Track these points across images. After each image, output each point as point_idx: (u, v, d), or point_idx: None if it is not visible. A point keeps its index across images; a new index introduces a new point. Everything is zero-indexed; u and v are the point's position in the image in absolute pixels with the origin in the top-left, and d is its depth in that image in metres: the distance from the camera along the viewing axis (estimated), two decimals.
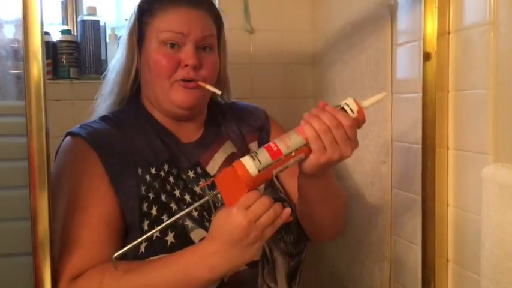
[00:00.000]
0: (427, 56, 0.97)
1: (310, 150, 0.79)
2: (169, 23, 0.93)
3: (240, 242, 0.75)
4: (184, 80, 0.93)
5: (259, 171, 0.76)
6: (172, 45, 0.93)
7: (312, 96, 1.66)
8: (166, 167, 0.94)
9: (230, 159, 1.00)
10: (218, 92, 0.97)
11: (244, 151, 1.04)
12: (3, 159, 0.79)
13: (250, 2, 1.59)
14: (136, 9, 0.98)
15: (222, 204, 0.79)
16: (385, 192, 1.19)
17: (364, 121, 0.84)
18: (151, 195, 0.90)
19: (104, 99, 1.03)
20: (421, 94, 0.98)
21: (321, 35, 1.58)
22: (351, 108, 0.82)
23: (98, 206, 0.86)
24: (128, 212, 0.88)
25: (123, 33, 1.01)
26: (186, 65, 0.92)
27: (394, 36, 1.14)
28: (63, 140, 0.96)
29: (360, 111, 0.83)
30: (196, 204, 0.79)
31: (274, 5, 1.62)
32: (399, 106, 1.13)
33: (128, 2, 1.67)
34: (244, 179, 0.76)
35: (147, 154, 0.94)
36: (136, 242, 0.76)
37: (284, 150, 0.78)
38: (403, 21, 1.11)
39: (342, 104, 0.83)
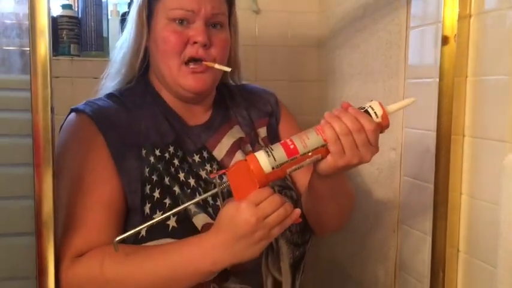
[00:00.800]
0: (445, 40, 0.94)
1: (327, 152, 0.76)
2: (179, 0, 0.90)
3: (245, 239, 0.73)
4: (192, 59, 0.90)
5: (272, 168, 0.73)
6: (181, 22, 0.90)
7: (317, 79, 1.63)
8: (171, 149, 0.92)
9: (238, 144, 0.97)
10: (228, 69, 0.93)
11: (253, 136, 1.01)
12: (7, 135, 0.75)
13: None
14: None
15: (231, 195, 0.76)
16: (393, 180, 1.17)
17: (387, 126, 0.80)
18: (154, 177, 0.88)
19: (111, 78, 0.99)
20: (437, 79, 0.95)
21: (328, 17, 1.55)
22: (375, 112, 0.78)
23: (101, 187, 0.84)
24: (130, 194, 0.86)
25: (131, 11, 0.97)
26: (195, 42, 0.89)
27: (409, 19, 1.11)
28: (67, 116, 0.93)
29: (385, 116, 0.78)
30: (204, 196, 0.77)
31: None
32: (411, 92, 1.11)
33: None
34: (256, 174, 0.73)
35: (153, 135, 0.91)
36: (138, 228, 0.74)
37: (301, 149, 0.74)
38: (419, 3, 1.08)
39: (367, 106, 0.79)
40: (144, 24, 0.93)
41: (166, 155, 0.91)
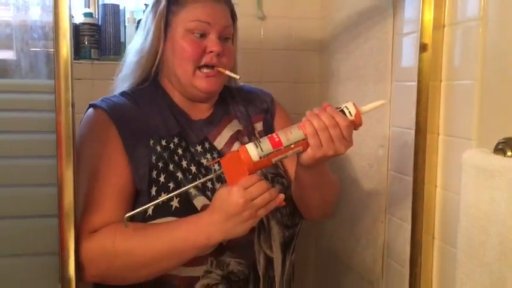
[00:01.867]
0: (424, 47, 1.04)
1: (308, 145, 0.88)
2: (197, 13, 1.03)
3: (234, 217, 0.85)
4: (206, 66, 1.03)
5: (260, 157, 0.86)
6: (197, 33, 1.03)
7: (318, 82, 1.74)
8: (176, 140, 1.04)
9: (236, 136, 1.10)
10: (237, 76, 1.08)
11: (250, 129, 1.14)
12: (35, 132, 0.88)
13: None
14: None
15: (225, 181, 0.88)
16: (381, 174, 1.27)
17: (360, 124, 0.92)
18: (160, 164, 1.00)
19: (125, 79, 1.11)
20: (415, 83, 1.05)
21: (328, 23, 1.65)
22: (349, 111, 0.91)
23: (114, 173, 0.97)
24: (138, 178, 0.98)
25: (148, 19, 1.09)
26: (211, 52, 1.03)
27: (396, 27, 1.21)
28: (86, 111, 1.06)
29: (358, 115, 0.90)
30: (201, 180, 0.91)
31: None
32: (398, 93, 1.21)
33: None
34: (246, 162, 0.86)
35: (160, 128, 1.04)
36: (146, 206, 0.88)
37: (284, 141, 0.87)
38: (404, 13, 1.18)
39: (342, 106, 0.92)
40: (162, 33, 1.05)
41: (171, 145, 1.03)
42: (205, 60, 1.03)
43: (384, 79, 1.26)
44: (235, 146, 1.08)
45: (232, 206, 0.85)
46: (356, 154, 1.40)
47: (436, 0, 1.01)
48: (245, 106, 1.18)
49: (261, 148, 0.86)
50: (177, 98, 1.09)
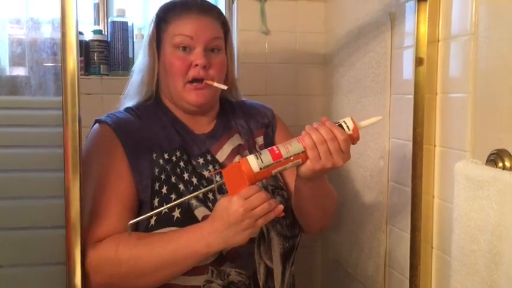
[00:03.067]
0: (419, 61, 1.06)
1: (307, 157, 0.91)
2: (180, 28, 1.06)
3: (234, 226, 0.89)
4: (195, 79, 1.06)
5: (260, 168, 0.89)
6: (184, 48, 1.06)
7: (322, 94, 1.77)
8: (178, 153, 1.07)
9: (237, 150, 1.13)
10: (224, 87, 1.09)
11: (251, 143, 1.17)
12: (43, 146, 0.93)
13: (266, 5, 1.71)
14: (154, 18, 1.12)
15: (226, 192, 0.91)
16: (382, 185, 1.29)
17: (358, 139, 0.95)
18: (162, 176, 1.03)
19: (130, 97, 1.16)
20: (412, 96, 1.08)
21: (332, 37, 1.69)
22: (347, 126, 0.94)
23: (117, 184, 1.00)
24: (142, 190, 1.02)
25: (144, 41, 1.15)
26: (196, 65, 1.05)
27: (394, 41, 1.24)
28: (93, 126, 1.11)
29: (355, 129, 0.94)
30: (203, 190, 0.95)
31: (289, 8, 1.73)
32: (397, 106, 1.23)
33: (154, 5, 1.80)
34: (247, 173, 0.89)
35: (162, 141, 1.08)
36: (148, 214, 0.92)
37: (284, 154, 0.90)
38: (401, 27, 1.21)
39: (341, 121, 0.95)
40: (155, 52, 1.10)
41: (173, 158, 1.06)
42: (192, 74, 1.05)
43: (383, 92, 1.28)
44: (237, 159, 1.11)
45: (233, 215, 0.88)
46: (358, 165, 1.43)
47: (431, 16, 1.04)
48: (246, 120, 1.20)
49: (261, 160, 0.89)
50: (178, 112, 1.13)
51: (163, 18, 1.10)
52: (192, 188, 1.04)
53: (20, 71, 1.17)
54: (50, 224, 0.93)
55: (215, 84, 1.08)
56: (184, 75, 1.06)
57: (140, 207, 1.02)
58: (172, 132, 1.10)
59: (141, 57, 1.14)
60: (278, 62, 1.74)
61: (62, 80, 0.83)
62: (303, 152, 0.91)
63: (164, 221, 0.99)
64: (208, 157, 1.10)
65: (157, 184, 1.03)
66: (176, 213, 1.00)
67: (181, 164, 1.06)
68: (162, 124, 1.10)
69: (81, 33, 1.64)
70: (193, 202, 1.01)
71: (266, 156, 0.90)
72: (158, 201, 1.01)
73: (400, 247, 1.21)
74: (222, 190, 1.00)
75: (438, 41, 1.04)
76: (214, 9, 1.12)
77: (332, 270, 1.68)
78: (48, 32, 1.40)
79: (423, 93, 1.06)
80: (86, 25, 1.74)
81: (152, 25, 1.11)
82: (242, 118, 1.20)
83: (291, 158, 0.90)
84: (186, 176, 1.05)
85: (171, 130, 1.10)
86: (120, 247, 0.94)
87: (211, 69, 1.07)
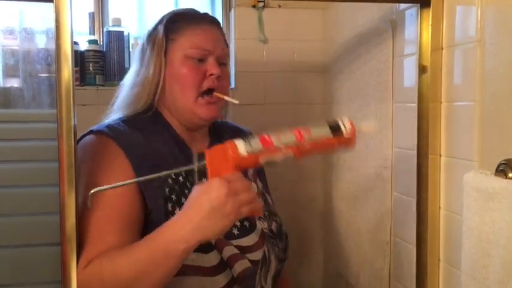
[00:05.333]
0: (423, 69, 1.04)
1: (299, 150, 0.83)
2: (196, 40, 1.03)
3: (215, 212, 0.78)
4: (207, 91, 1.02)
5: (247, 153, 0.81)
6: (195, 59, 1.03)
7: (321, 103, 1.74)
8: (183, 173, 1.00)
9: None
10: (236, 101, 1.07)
11: None
12: (38, 160, 0.89)
13: (264, 14, 1.69)
14: (160, 28, 1.06)
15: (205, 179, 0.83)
16: (385, 196, 1.27)
17: (354, 142, 0.86)
18: (173, 196, 0.97)
19: (121, 108, 1.08)
20: (416, 105, 1.05)
21: (330, 46, 1.67)
22: (344, 126, 0.85)
23: (121, 202, 0.92)
24: (155, 210, 0.94)
25: (146, 50, 1.07)
26: (211, 74, 1.02)
27: (396, 48, 1.22)
28: (84, 137, 1.01)
29: (353, 132, 0.85)
30: (180, 169, 0.87)
31: (287, 16, 1.72)
32: (399, 115, 1.21)
33: (150, 14, 1.78)
34: (233, 156, 0.81)
35: (168, 159, 1.00)
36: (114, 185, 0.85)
37: (275, 141, 0.82)
38: (403, 35, 1.19)
39: (339, 120, 0.86)
40: (162, 62, 1.04)
41: (181, 178, 1.00)
42: (207, 84, 1.02)
43: (385, 100, 1.26)
44: None
45: (214, 198, 0.78)
46: (361, 175, 1.40)
47: (434, 23, 1.02)
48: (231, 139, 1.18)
49: (249, 144, 0.82)
50: (177, 127, 1.07)
51: (172, 27, 1.05)
52: None
53: (14, 83, 1.14)
54: (46, 241, 0.89)
55: (226, 98, 1.05)
56: (198, 85, 1.02)
57: (151, 227, 0.91)
58: (175, 150, 1.04)
59: (140, 68, 1.07)
60: (276, 70, 1.72)
61: (56, 91, 0.79)
62: (295, 143, 0.83)
63: None
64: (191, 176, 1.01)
65: (169, 204, 0.96)
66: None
67: (188, 184, 1.00)
68: (164, 140, 1.04)
69: (76, 43, 1.62)
70: None
71: (255, 141, 0.82)
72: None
73: (406, 259, 1.18)
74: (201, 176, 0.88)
75: (442, 48, 1.02)
76: (218, 22, 1.11)
77: (334, 283, 1.64)
78: (42, 43, 1.37)
79: (427, 102, 1.04)
80: (81, 35, 1.71)
81: (160, 34, 1.05)
82: (229, 138, 1.17)
83: (281, 147, 0.82)
84: None
85: (174, 147, 1.04)
86: (104, 262, 0.86)
87: (223, 80, 1.05)
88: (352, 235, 1.46)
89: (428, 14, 1.02)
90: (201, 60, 1.03)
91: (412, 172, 1.10)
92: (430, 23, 1.02)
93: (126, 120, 1.04)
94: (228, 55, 1.12)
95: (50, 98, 0.91)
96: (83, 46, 1.65)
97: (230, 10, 1.74)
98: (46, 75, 1.06)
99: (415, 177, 1.07)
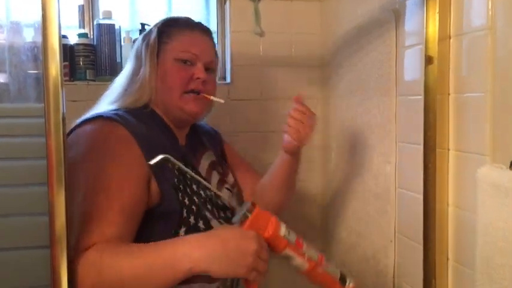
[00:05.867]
0: (429, 60, 1.00)
1: (313, 269, 0.90)
2: (187, 45, 1.09)
3: (237, 256, 0.82)
4: (194, 90, 1.08)
5: (283, 236, 0.87)
6: (185, 62, 1.09)
7: (320, 97, 1.70)
8: (183, 163, 0.98)
9: (212, 166, 1.18)
10: (222, 101, 1.13)
11: (218, 161, 1.22)
12: (25, 158, 0.84)
13: (261, 5, 1.64)
14: (154, 30, 1.11)
15: (241, 221, 0.87)
16: (389, 192, 1.22)
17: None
18: (181, 186, 0.99)
19: (114, 102, 1.08)
20: (422, 97, 1.01)
21: (329, 38, 1.62)
22: (349, 283, 0.96)
23: (127, 193, 0.90)
24: (169, 199, 0.95)
25: (141, 49, 1.11)
26: (198, 78, 1.08)
27: (399, 39, 1.17)
28: (87, 121, 1.00)
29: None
30: (226, 201, 1.05)
31: (284, 8, 1.67)
32: (403, 108, 1.17)
33: (142, 7, 1.72)
34: (273, 230, 0.87)
35: (169, 150, 0.97)
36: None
37: (304, 248, 0.89)
38: (407, 25, 1.14)
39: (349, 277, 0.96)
40: (155, 62, 1.08)
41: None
42: (193, 86, 1.08)
43: (388, 93, 1.21)
44: (214, 175, 1.16)
45: (243, 245, 0.82)
46: (361, 172, 1.35)
47: (441, 12, 0.97)
48: (208, 139, 1.25)
49: (289, 232, 0.89)
50: (169, 125, 1.11)
51: (165, 31, 1.11)
52: (202, 200, 1.02)
53: (1, 77, 1.08)
54: (33, 243, 0.84)
55: (212, 98, 1.11)
56: (184, 86, 1.07)
57: (167, 216, 0.95)
58: (172, 141, 1.08)
59: (135, 66, 1.11)
60: (273, 64, 1.67)
61: (43, 89, 0.74)
62: (315, 261, 0.90)
63: (194, 232, 0.94)
64: (194, 171, 1.05)
65: (179, 194, 0.98)
66: (201, 225, 0.98)
67: (187, 175, 1.00)
68: (164, 134, 1.07)
69: (65, 36, 1.56)
70: (208, 214, 1.01)
71: (293, 234, 0.89)
72: (186, 212, 0.97)
73: (411, 258, 1.13)
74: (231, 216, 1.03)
75: (449, 37, 0.97)
76: (211, 33, 1.18)
77: None
78: (30, 36, 1.31)
79: (434, 94, 0.99)
80: (71, 29, 1.65)
81: (153, 37, 1.10)
82: (204, 136, 1.24)
83: (305, 255, 0.89)
84: (194, 187, 1.03)
85: (171, 138, 1.08)
86: (105, 254, 0.83)
87: (208, 84, 1.11)
88: (353, 233, 1.41)
89: (435, 2, 0.98)
90: (190, 63, 1.09)
91: (418, 167, 1.06)
92: (437, 11, 0.97)
93: (128, 112, 1.04)
94: (216, 64, 1.18)
95: (36, 91, 0.85)
96: (73, 40, 1.59)
97: (225, 2, 1.69)
98: (35, 72, 1.00)
99: (421, 172, 1.03)
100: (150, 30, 1.13)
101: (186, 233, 0.95)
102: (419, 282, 1.06)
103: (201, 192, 1.03)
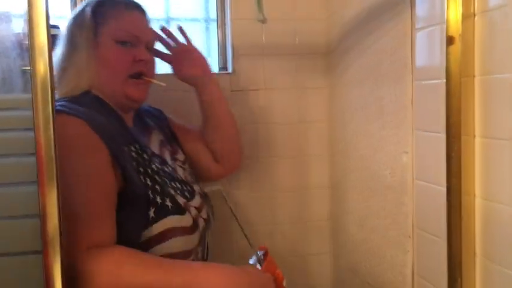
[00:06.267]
0: (450, 40, 0.92)
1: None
2: (125, 25, 1.05)
3: None
4: (136, 74, 1.06)
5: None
6: (124, 43, 1.05)
7: (326, 87, 1.61)
8: (137, 146, 1.03)
9: (162, 145, 1.16)
10: (163, 84, 1.11)
11: (169, 140, 1.21)
12: (12, 154, 0.76)
13: None
14: (89, 11, 1.05)
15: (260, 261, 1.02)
16: (406, 184, 1.15)
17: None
18: (141, 168, 0.99)
19: (59, 93, 1.03)
20: (444, 80, 0.93)
21: (335, 24, 1.54)
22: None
23: (106, 183, 0.91)
24: (131, 182, 0.95)
25: (73, 31, 1.06)
26: (141, 60, 1.06)
27: (414, 20, 1.09)
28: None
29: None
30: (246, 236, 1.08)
31: None
32: (420, 94, 1.09)
33: None
34: (280, 281, 1.02)
35: (122, 135, 1.01)
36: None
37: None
38: (423, 5, 1.06)
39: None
40: (91, 45, 1.03)
41: (139, 151, 1.03)
42: (138, 68, 1.06)
43: (402, 79, 1.14)
44: (166, 153, 1.15)
45: (257, 285, 0.93)
46: (374, 163, 1.28)
47: None
48: (152, 119, 1.22)
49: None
50: (113, 107, 1.06)
51: (100, 12, 1.06)
52: (166, 176, 1.05)
53: None
54: (24, 247, 0.76)
55: (154, 81, 1.09)
56: (127, 69, 1.04)
57: (132, 202, 0.94)
58: (122, 126, 1.04)
59: (69, 49, 1.05)
60: (276, 53, 1.59)
61: (31, 85, 0.68)
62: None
63: (163, 211, 0.97)
64: (149, 151, 1.08)
65: (141, 176, 0.98)
66: (168, 203, 0.98)
67: (145, 156, 1.03)
68: (111, 118, 1.03)
69: (56, 27, 1.47)
70: (172, 191, 1.02)
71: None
72: (151, 193, 0.97)
73: (432, 254, 1.06)
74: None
75: (474, 15, 0.89)
76: (144, 9, 1.13)
77: (347, 281, 1.52)
78: (19, 28, 1.24)
79: (457, 77, 0.91)
80: (63, 19, 1.56)
81: (88, 16, 1.05)
82: (147, 117, 1.21)
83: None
84: (154, 166, 1.03)
85: (120, 124, 1.04)
86: (124, 260, 0.84)
87: (151, 65, 1.11)
88: (364, 227, 1.34)
89: None
90: (130, 45, 1.05)
91: (438, 156, 0.99)
92: None
93: (71, 102, 0.99)
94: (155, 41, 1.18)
95: (23, 81, 0.77)
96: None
97: None
98: (24, 67, 0.93)
99: (443, 162, 0.95)
100: (83, 10, 1.06)
101: (156, 213, 0.96)
102: (442, 280, 0.99)
103: (160, 170, 1.04)
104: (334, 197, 1.61)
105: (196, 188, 1.15)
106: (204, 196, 1.17)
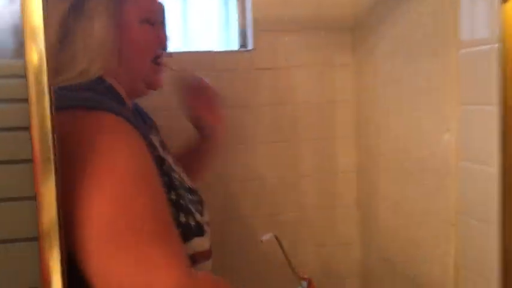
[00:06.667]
0: None
1: None
2: (150, 2, 0.92)
3: None
4: (157, 57, 0.92)
5: None
6: (149, 22, 0.90)
7: (352, 63, 1.49)
8: (157, 143, 0.92)
9: (163, 147, 0.97)
10: (175, 68, 1.02)
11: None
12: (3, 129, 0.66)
13: None
14: None
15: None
16: (448, 165, 1.03)
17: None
18: (166, 178, 0.86)
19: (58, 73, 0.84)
20: (496, 45, 0.81)
21: None
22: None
23: (162, 191, 0.78)
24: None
25: (90, 4, 0.85)
26: (164, 40, 0.94)
27: None
28: (91, 111, 0.78)
29: None
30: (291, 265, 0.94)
31: None
32: (467, 63, 0.96)
33: None
34: None
35: (145, 131, 0.87)
36: None
37: None
38: None
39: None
40: (112, 23, 0.85)
41: (161, 148, 0.93)
42: (159, 51, 0.93)
43: (443, 49, 1.02)
44: (169, 156, 0.96)
45: None
46: (411, 142, 1.16)
47: None
48: (142, 115, 1.02)
49: None
50: (125, 98, 0.89)
51: None
52: (183, 187, 0.91)
53: None
54: (20, 235, 0.67)
55: (174, 68, 1.00)
56: (154, 51, 0.92)
57: None
58: (137, 118, 0.91)
59: (84, 26, 0.84)
60: (299, 28, 1.47)
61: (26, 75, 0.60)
62: None
63: (188, 233, 0.83)
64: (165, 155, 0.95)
65: (166, 189, 0.83)
66: (191, 221, 0.86)
67: (160, 150, 0.91)
68: (133, 114, 0.89)
69: None
70: (190, 206, 0.88)
71: None
72: (176, 210, 0.83)
73: (481, 244, 0.94)
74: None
75: None
76: None
77: (380, 272, 1.41)
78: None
79: None
80: None
81: None
82: (138, 111, 1.02)
83: None
84: (175, 176, 0.91)
85: (135, 115, 0.91)
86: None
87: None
88: (398, 213, 1.23)
89: None
90: (151, 24, 0.91)
91: (489, 134, 0.87)
92: None
93: (89, 90, 0.82)
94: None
95: (14, 43, 0.67)
96: None
97: None
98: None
99: (494, 140, 0.84)
100: None
101: (182, 236, 0.80)
102: (493, 272, 0.88)
103: (178, 180, 0.90)
104: (362, 182, 1.49)
105: (202, 196, 1.00)
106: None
